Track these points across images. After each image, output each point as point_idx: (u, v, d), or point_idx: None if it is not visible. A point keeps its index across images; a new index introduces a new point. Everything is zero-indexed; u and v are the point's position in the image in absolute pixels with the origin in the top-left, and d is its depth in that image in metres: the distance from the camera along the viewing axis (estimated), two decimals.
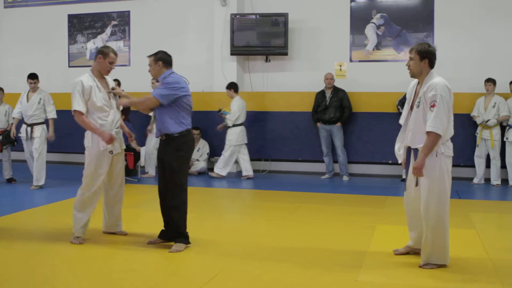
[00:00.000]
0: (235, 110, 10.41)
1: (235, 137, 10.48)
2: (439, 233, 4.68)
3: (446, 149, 4.68)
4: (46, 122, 9.26)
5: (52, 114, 9.23)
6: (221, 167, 10.57)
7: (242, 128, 10.53)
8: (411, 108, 4.84)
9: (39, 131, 9.14)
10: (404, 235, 5.51)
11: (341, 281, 4.46)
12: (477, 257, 5.14)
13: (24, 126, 9.21)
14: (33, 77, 9.19)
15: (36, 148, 9.08)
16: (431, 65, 4.75)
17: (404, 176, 9.06)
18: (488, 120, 9.50)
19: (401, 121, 4.99)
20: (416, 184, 4.77)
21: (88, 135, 5.62)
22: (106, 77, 5.83)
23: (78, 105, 5.49)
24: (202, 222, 6.65)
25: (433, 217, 4.67)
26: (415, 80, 4.94)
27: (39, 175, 9.08)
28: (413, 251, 5.12)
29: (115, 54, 5.76)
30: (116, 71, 11.94)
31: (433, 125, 4.51)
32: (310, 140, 10.82)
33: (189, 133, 5.50)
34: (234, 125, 10.43)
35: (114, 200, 5.87)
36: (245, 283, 4.44)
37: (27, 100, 9.17)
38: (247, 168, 10.56)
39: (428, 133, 4.56)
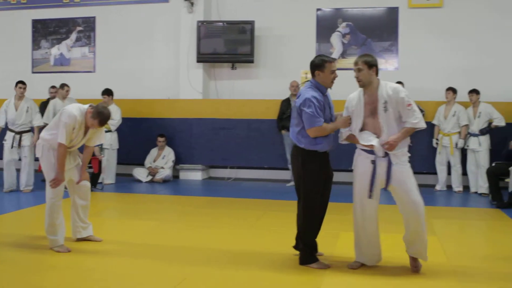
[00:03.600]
0: (120, 117, 10.57)
1: (116, 142, 10.67)
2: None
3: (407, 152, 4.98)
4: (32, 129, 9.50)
5: (39, 122, 9.40)
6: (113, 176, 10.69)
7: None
8: (370, 116, 4.91)
9: (28, 139, 9.37)
10: None
11: (305, 287, 4.48)
12: (438, 262, 5.21)
13: (10, 134, 9.29)
14: (24, 82, 9.39)
15: (27, 156, 9.30)
16: (377, 73, 4.92)
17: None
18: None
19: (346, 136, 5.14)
20: (386, 188, 4.92)
21: (39, 145, 5.68)
22: None
23: (65, 139, 5.44)
24: (165, 230, 6.61)
25: (420, 215, 4.85)
26: (356, 93, 5.02)
27: (30, 180, 9.33)
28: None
29: (102, 123, 5.53)
30: (81, 77, 11.93)
31: (418, 121, 4.81)
32: (275, 148, 10.84)
33: None
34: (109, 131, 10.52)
35: (81, 204, 5.83)
36: None
37: (16, 109, 9.27)
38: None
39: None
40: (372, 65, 4.85)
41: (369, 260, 5.02)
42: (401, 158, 4.87)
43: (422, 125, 4.85)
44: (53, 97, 10.55)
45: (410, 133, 4.86)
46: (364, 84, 4.90)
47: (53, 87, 10.75)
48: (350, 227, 6.56)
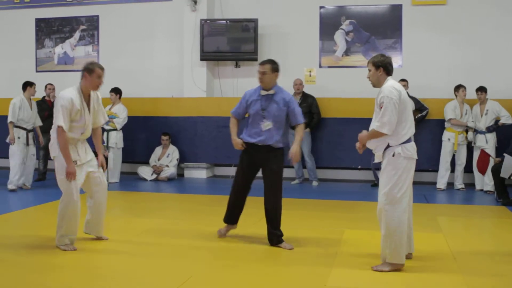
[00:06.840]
0: (126, 116, 10.60)
1: (121, 140, 10.66)
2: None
3: (405, 150, 4.77)
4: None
5: (40, 121, 9.70)
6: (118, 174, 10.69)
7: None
8: None
9: (34, 137, 9.59)
10: (373, 239, 5.57)
11: (310, 286, 4.48)
12: (444, 259, 5.23)
13: (23, 132, 9.33)
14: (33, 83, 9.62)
15: (34, 154, 9.59)
16: (387, 72, 4.95)
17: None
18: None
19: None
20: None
21: (54, 144, 5.45)
22: (93, 92, 5.63)
23: (63, 121, 5.25)
24: (171, 228, 6.62)
25: (380, 220, 4.87)
26: None
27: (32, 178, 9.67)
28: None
29: (102, 68, 5.53)
30: None
31: (380, 124, 4.74)
32: None
33: None
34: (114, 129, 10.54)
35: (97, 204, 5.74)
36: None
37: (31, 107, 9.44)
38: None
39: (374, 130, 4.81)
40: (379, 66, 4.93)
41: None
42: (385, 156, 4.84)
43: (382, 130, 4.70)
44: (48, 95, 10.56)
45: (374, 136, 4.83)
46: (374, 84, 5.02)
47: (50, 84, 10.67)
48: (355, 225, 6.58)
